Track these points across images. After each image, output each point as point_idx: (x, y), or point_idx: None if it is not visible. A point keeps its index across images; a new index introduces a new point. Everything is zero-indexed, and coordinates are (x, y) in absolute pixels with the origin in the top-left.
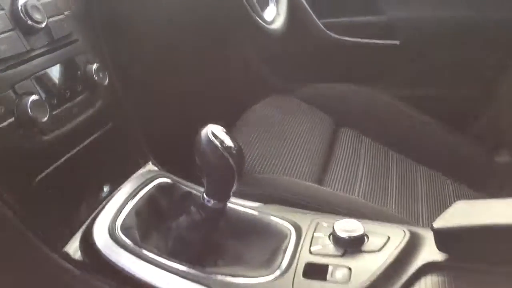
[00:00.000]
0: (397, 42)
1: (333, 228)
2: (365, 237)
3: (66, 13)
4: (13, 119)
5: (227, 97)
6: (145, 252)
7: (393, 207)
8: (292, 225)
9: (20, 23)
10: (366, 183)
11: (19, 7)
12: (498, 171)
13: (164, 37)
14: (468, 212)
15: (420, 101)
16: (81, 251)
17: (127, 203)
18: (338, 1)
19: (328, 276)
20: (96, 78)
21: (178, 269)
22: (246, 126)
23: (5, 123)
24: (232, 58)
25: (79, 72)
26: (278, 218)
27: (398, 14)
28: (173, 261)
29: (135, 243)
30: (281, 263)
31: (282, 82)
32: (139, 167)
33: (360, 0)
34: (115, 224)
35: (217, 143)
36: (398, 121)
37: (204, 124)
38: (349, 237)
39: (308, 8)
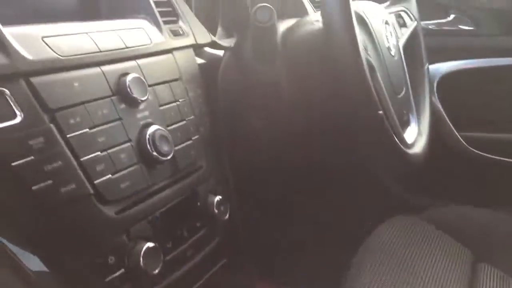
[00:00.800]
0: None
1: None
2: None
3: (194, 138)
4: (122, 270)
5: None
6: None
7: None
8: None
9: (145, 156)
10: None
11: (147, 138)
12: None
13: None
14: None
15: None
16: None
17: None
18: (481, 115)
19: None
20: (216, 211)
21: None
22: (370, 252)
23: (115, 274)
24: (360, 173)
25: (199, 205)
26: None
27: None
28: None
29: None
30: None
31: (409, 198)
32: None
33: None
34: None
35: None
36: None
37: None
38: None
39: (449, 122)
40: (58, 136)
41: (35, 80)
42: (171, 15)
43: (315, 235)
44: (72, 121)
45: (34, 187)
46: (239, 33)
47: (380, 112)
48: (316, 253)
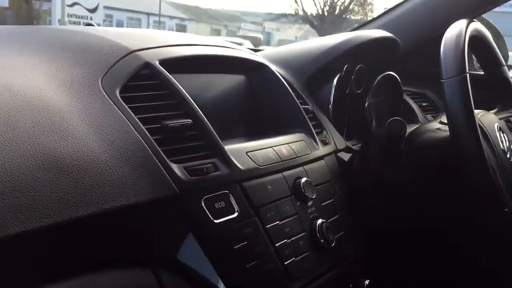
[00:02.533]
0: None
1: None
2: None
3: (347, 229)
4: None
5: None
6: None
7: None
8: None
9: (316, 243)
10: None
11: (317, 229)
12: None
13: None
14: None
15: None
16: None
17: None
18: None
19: None
20: None
21: None
22: None
23: None
24: None
25: (351, 286)
26: None
27: None
28: None
29: None
30: None
31: None
32: None
33: None
34: None
35: None
36: None
37: None
38: None
39: None
40: (261, 227)
41: (245, 184)
42: (318, 127)
43: None
44: (268, 215)
45: (247, 265)
46: (365, 138)
47: (506, 209)
48: None
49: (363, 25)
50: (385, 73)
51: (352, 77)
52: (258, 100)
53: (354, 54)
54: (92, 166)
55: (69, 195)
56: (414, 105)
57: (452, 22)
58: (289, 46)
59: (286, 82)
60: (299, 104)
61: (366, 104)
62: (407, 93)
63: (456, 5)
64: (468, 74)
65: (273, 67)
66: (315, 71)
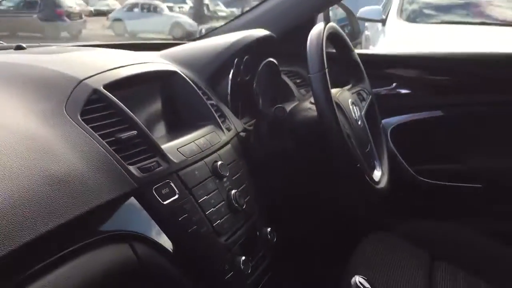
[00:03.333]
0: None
1: None
2: None
3: (252, 195)
4: (232, 273)
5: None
6: None
7: None
8: None
9: (232, 208)
10: None
11: (232, 198)
12: None
13: None
14: None
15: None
16: None
17: None
18: (426, 150)
19: None
20: (269, 237)
21: None
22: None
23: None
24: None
25: (258, 234)
26: None
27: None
28: None
29: None
30: None
31: (381, 219)
32: None
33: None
34: None
35: None
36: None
37: None
38: None
39: (402, 160)
40: (194, 202)
41: (180, 173)
42: (222, 117)
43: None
44: (199, 192)
45: (189, 230)
46: (256, 116)
47: (358, 165)
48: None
49: (243, 14)
50: (265, 60)
51: (241, 67)
52: (175, 102)
53: (243, 50)
54: (75, 178)
55: (62, 202)
56: (290, 83)
57: (312, 12)
58: (190, 45)
59: (193, 83)
60: (206, 100)
61: (253, 87)
62: (284, 72)
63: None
64: (326, 70)
65: (182, 70)
66: (214, 69)
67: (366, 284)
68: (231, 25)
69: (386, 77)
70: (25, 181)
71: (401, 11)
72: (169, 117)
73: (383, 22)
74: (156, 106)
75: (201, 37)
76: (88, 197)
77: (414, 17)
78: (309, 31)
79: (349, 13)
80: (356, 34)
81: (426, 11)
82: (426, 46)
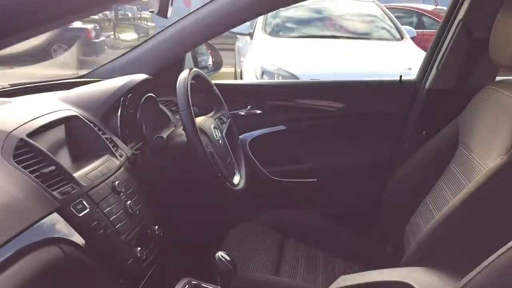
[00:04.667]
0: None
1: None
2: None
3: (145, 203)
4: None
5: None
6: None
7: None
8: None
9: (128, 214)
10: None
11: (127, 205)
12: None
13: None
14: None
15: None
16: None
17: None
18: (277, 156)
19: None
20: (157, 232)
21: None
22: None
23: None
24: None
25: (149, 231)
26: None
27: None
28: None
29: None
30: None
31: (246, 210)
32: None
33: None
34: None
35: None
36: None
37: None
38: None
39: (258, 164)
40: (101, 212)
41: (89, 193)
42: (115, 147)
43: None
44: (104, 205)
45: (98, 233)
46: (143, 144)
47: (220, 174)
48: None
49: (125, 54)
50: (146, 95)
51: (127, 103)
52: (78, 138)
53: (127, 91)
54: (14, 204)
55: (5, 223)
56: (167, 111)
57: (181, 53)
58: (85, 89)
59: (90, 122)
60: (101, 135)
61: (137, 118)
62: (162, 102)
63: (183, 42)
64: (191, 107)
65: (80, 113)
66: (106, 108)
67: (227, 257)
68: (115, 63)
69: (243, 101)
70: None
71: (265, 25)
72: (75, 151)
73: (251, 35)
74: (65, 143)
75: (90, 73)
76: (26, 216)
77: (277, 30)
78: (180, 67)
79: (211, 47)
80: (219, 64)
81: (288, 24)
82: (286, 57)
